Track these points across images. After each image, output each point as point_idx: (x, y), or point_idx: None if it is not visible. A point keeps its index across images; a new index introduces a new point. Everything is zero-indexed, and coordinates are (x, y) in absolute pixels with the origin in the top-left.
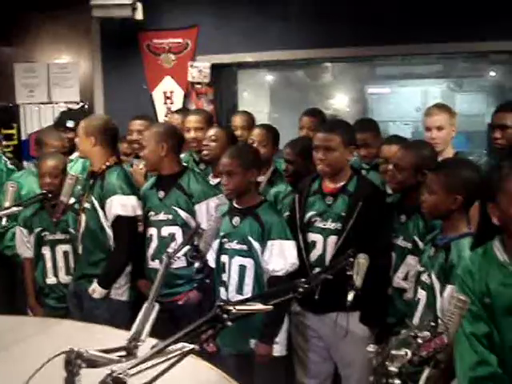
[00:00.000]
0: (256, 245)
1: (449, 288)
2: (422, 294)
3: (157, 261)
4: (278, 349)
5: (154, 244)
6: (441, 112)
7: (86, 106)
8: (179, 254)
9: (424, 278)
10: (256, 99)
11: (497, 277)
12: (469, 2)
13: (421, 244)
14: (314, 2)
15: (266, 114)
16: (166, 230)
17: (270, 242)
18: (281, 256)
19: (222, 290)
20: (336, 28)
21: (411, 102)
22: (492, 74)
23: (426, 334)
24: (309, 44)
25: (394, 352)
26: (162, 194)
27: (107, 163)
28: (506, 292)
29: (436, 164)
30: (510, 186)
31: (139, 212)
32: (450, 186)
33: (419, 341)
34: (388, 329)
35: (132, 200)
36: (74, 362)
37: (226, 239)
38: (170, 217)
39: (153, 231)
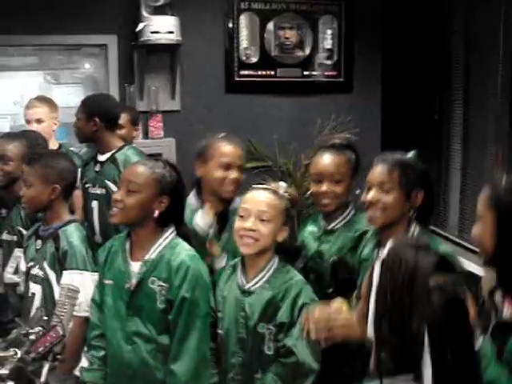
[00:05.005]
0: None
1: (65, 274)
2: (36, 289)
3: None
4: None
5: None
6: (41, 105)
7: None
8: None
9: (35, 271)
10: None
11: None
12: None
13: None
14: None
15: None
16: None
17: None
18: None
19: None
20: None
21: (9, 94)
22: (86, 66)
23: (38, 329)
24: None
25: (0, 354)
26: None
27: None
28: None
29: (30, 157)
30: None
31: None
32: (46, 177)
33: (32, 338)
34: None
35: None
36: None
37: None
38: None
39: None
